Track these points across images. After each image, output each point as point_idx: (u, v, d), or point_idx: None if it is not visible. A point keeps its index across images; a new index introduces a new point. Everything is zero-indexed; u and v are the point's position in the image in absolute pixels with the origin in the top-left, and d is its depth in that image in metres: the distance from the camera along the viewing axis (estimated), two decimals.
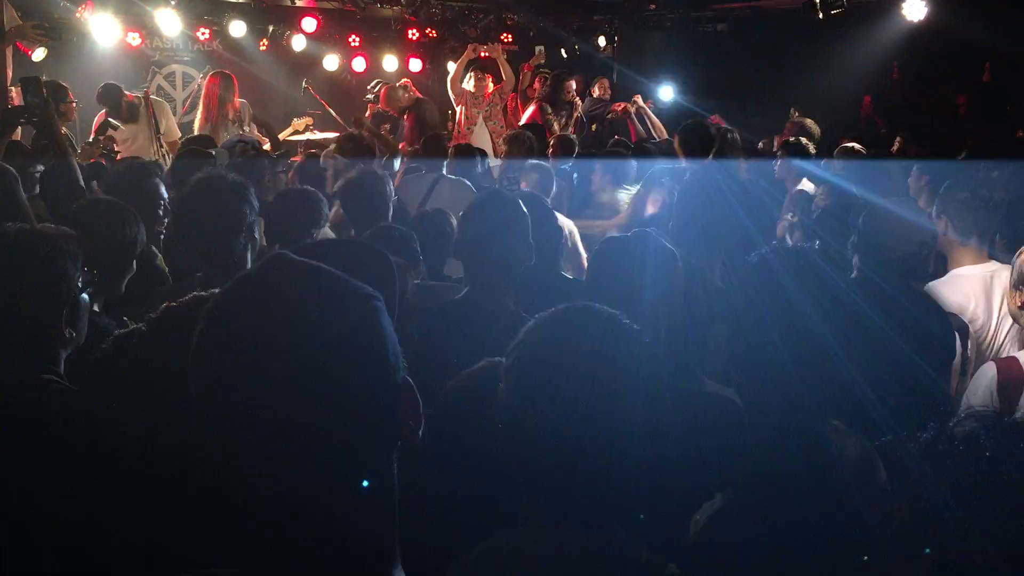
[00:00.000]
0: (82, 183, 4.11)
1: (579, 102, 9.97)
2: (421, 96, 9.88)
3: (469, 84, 9.96)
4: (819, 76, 9.76)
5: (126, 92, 7.72)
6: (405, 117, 9.55)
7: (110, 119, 7.18)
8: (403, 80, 10.54)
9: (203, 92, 8.34)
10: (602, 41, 11.35)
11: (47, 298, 2.18)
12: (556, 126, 9.48)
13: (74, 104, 6.79)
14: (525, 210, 3.02)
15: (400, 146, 8.73)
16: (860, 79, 9.74)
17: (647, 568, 1.55)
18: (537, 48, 11.45)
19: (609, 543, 1.53)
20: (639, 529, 1.59)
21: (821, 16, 8.11)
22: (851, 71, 9.67)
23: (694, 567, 1.73)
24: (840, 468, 1.76)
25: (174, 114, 9.05)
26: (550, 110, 9.64)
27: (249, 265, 3.05)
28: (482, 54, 10.24)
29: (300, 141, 9.35)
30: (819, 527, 1.66)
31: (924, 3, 8.11)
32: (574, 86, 10.06)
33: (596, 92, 10.25)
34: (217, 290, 1.74)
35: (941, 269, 3.61)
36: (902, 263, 3.17)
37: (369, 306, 1.15)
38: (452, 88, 10.07)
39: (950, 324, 2.38)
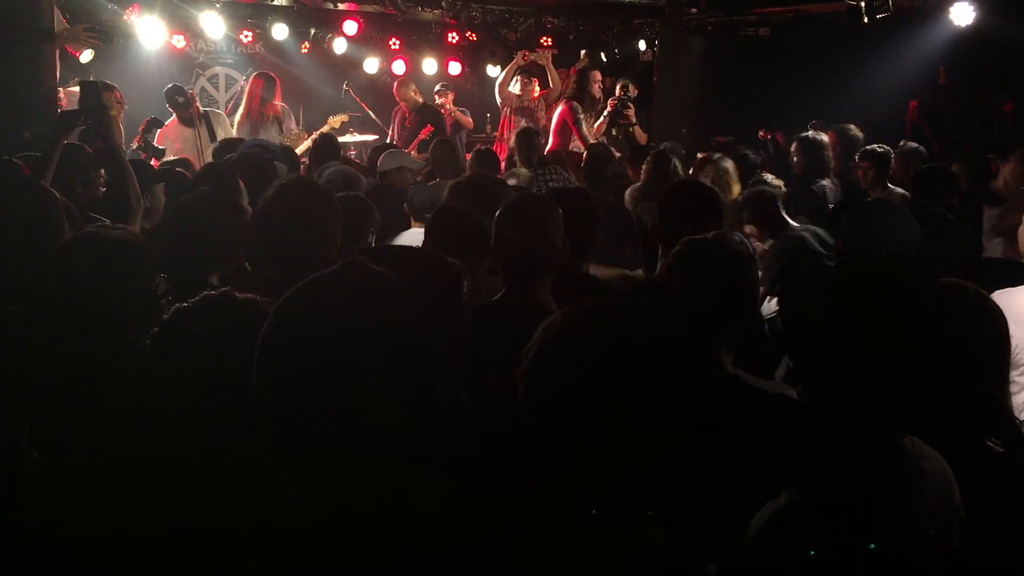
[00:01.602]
0: (137, 185, 4.17)
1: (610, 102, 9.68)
2: (432, 106, 9.97)
3: (515, 88, 9.93)
4: (863, 81, 9.62)
5: (180, 103, 7.89)
6: (411, 117, 9.60)
7: (156, 118, 7.30)
8: (450, 96, 10.67)
9: (246, 91, 8.48)
10: (642, 45, 11.27)
11: (131, 296, 2.25)
12: (586, 127, 9.12)
13: (120, 103, 6.86)
14: (558, 207, 3.03)
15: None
16: (905, 84, 9.59)
17: (686, 568, 1.53)
18: (582, 52, 11.40)
19: (645, 544, 1.52)
20: (680, 528, 1.57)
21: (866, 20, 7.98)
22: (895, 76, 9.52)
23: (748, 567, 1.71)
24: (910, 483, 1.72)
25: None
26: (580, 110, 9.22)
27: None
28: (526, 57, 10.23)
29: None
30: (883, 542, 1.63)
31: (972, 7, 7.97)
32: (599, 76, 9.68)
33: (618, 93, 9.98)
34: (226, 288, 1.81)
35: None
36: None
37: (429, 315, 1.28)
38: (500, 92, 10.07)
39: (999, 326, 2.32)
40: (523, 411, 1.57)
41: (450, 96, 10.88)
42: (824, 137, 6.73)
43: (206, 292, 1.83)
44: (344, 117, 9.47)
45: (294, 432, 1.21)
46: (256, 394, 1.24)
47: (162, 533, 1.57)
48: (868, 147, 6.45)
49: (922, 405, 1.82)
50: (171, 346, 1.74)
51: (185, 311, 1.78)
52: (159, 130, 7.65)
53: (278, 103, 8.39)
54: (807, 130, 7.02)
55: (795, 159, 6.77)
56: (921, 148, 6.96)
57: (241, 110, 8.38)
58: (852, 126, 7.33)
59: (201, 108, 8.07)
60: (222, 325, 1.69)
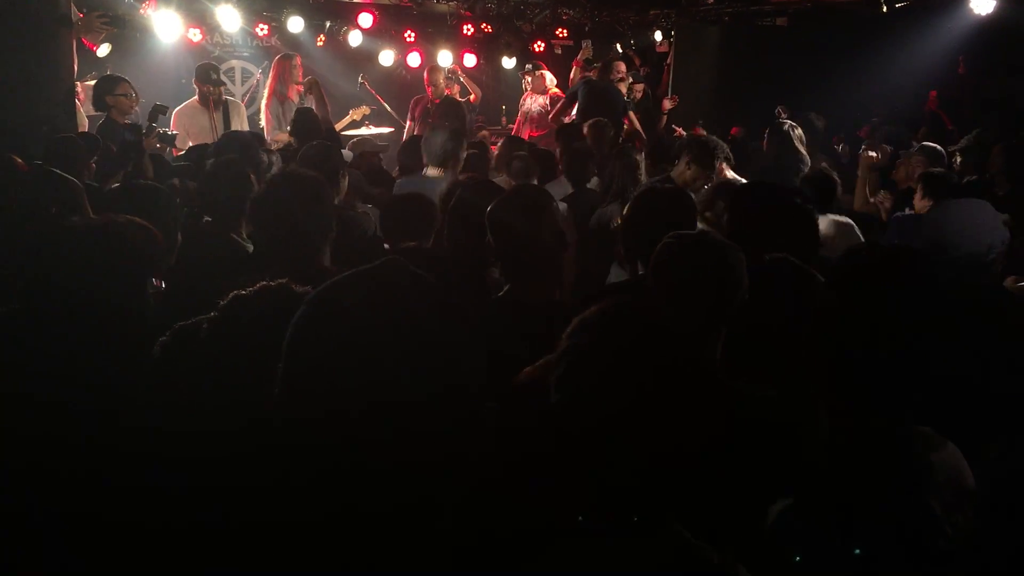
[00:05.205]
0: None
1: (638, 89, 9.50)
2: (456, 99, 9.95)
3: (528, 79, 9.86)
4: (881, 71, 9.54)
5: (213, 79, 7.94)
6: (434, 109, 9.58)
7: (161, 104, 7.32)
8: (456, 88, 10.62)
9: (270, 76, 8.60)
10: (659, 36, 11.21)
11: (131, 282, 2.28)
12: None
13: (124, 97, 6.82)
14: (553, 200, 3.02)
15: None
16: (924, 74, 9.50)
17: (717, 572, 1.52)
18: (584, 42, 11.26)
19: (674, 546, 1.51)
20: (703, 530, 1.56)
21: (884, 9, 7.92)
22: (914, 66, 9.44)
23: (764, 566, 1.70)
24: (920, 474, 1.70)
25: None
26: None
27: (327, 260, 3.14)
28: (536, 47, 10.19)
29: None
30: (891, 532, 1.62)
31: None
32: (624, 68, 9.21)
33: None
34: (284, 281, 1.81)
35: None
36: (968, 261, 3.06)
37: (459, 316, 1.28)
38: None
39: None
40: (558, 412, 1.57)
41: (456, 88, 10.85)
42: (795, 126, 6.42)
43: (264, 283, 1.83)
44: (365, 110, 9.46)
45: (314, 428, 1.19)
46: (279, 385, 1.22)
47: (205, 525, 1.57)
48: None
49: (956, 400, 1.81)
50: (226, 333, 1.74)
51: (243, 299, 1.79)
52: (174, 112, 7.63)
53: (298, 86, 8.38)
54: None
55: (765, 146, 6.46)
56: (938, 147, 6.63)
57: (266, 96, 8.51)
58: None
59: (224, 95, 8.12)
60: (278, 315, 1.69)
